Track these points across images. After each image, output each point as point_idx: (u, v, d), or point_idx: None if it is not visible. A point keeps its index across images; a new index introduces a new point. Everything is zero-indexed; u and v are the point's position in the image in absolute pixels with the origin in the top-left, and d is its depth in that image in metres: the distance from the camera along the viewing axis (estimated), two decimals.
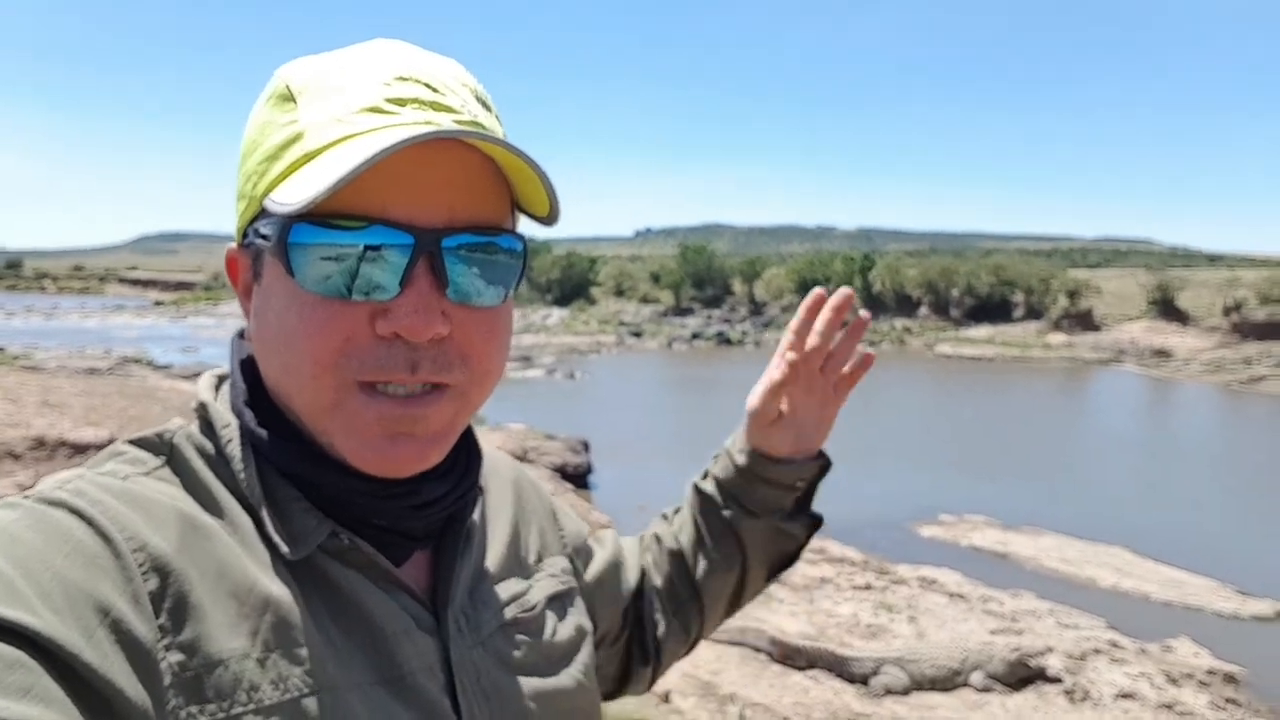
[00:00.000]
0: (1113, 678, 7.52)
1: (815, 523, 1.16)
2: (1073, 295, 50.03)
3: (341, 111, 0.69)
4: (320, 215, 0.66)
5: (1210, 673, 7.88)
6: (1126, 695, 7.15)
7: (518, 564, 0.93)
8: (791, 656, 7.30)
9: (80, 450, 7.23)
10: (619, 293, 62.62)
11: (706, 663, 7.05)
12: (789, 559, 1.17)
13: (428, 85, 0.72)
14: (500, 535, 0.94)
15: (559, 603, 0.95)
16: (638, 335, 50.38)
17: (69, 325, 52.15)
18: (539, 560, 0.97)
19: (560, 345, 44.95)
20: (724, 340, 48.97)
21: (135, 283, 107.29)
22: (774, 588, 9.34)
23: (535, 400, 23.99)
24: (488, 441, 0.93)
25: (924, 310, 54.64)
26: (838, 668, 7.19)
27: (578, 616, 0.96)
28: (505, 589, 0.89)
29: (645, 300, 59.96)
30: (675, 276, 59.68)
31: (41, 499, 0.64)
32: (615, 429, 19.82)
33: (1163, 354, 41.25)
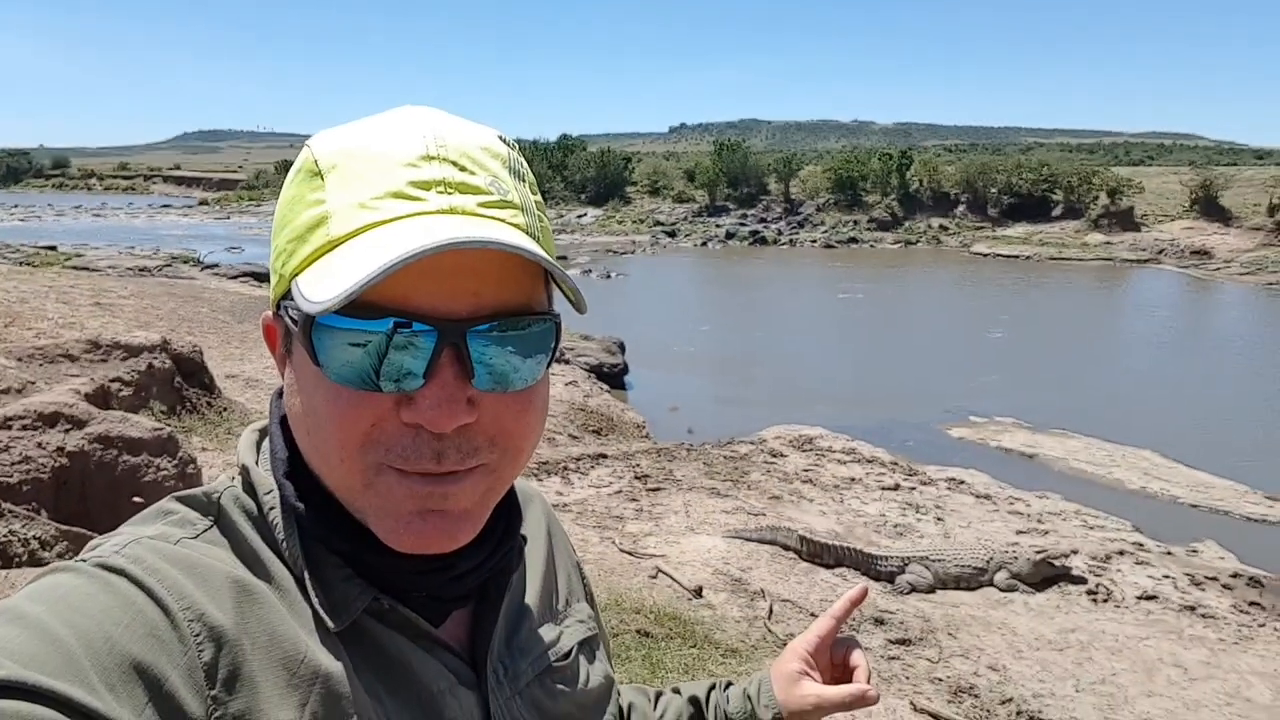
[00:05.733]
0: (1136, 579, 7.66)
1: None
2: (1113, 194, 48.76)
3: (365, 195, 0.69)
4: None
5: (1235, 576, 7.99)
6: (1149, 597, 7.29)
7: (550, 610, 0.95)
8: (820, 554, 7.48)
9: (134, 353, 7.41)
10: (654, 191, 61.87)
11: (737, 560, 7.25)
12: None
13: (455, 164, 0.72)
14: (535, 581, 0.95)
15: (588, 649, 0.97)
16: (672, 235, 50.02)
17: (117, 224, 52.77)
18: (567, 605, 0.98)
19: (595, 245, 44.83)
20: (759, 240, 48.50)
21: (179, 181, 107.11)
22: (804, 487, 9.53)
23: None
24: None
25: (961, 209, 53.50)
26: (864, 566, 7.36)
27: (604, 664, 0.98)
28: (541, 636, 0.91)
29: (680, 199, 59.23)
30: (710, 174, 58.74)
31: (101, 564, 0.66)
32: (650, 330, 19.91)
33: (1202, 254, 40.32)
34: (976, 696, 5.46)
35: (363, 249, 0.66)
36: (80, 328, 8.50)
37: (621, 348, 16.19)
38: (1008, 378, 17.05)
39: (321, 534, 0.75)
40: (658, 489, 8.89)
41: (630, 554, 7.10)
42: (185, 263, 26.51)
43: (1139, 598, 7.28)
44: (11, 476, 4.96)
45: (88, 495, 5.42)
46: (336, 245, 0.69)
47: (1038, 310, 27.26)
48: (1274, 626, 6.99)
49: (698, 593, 6.46)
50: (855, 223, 52.15)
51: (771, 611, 6.31)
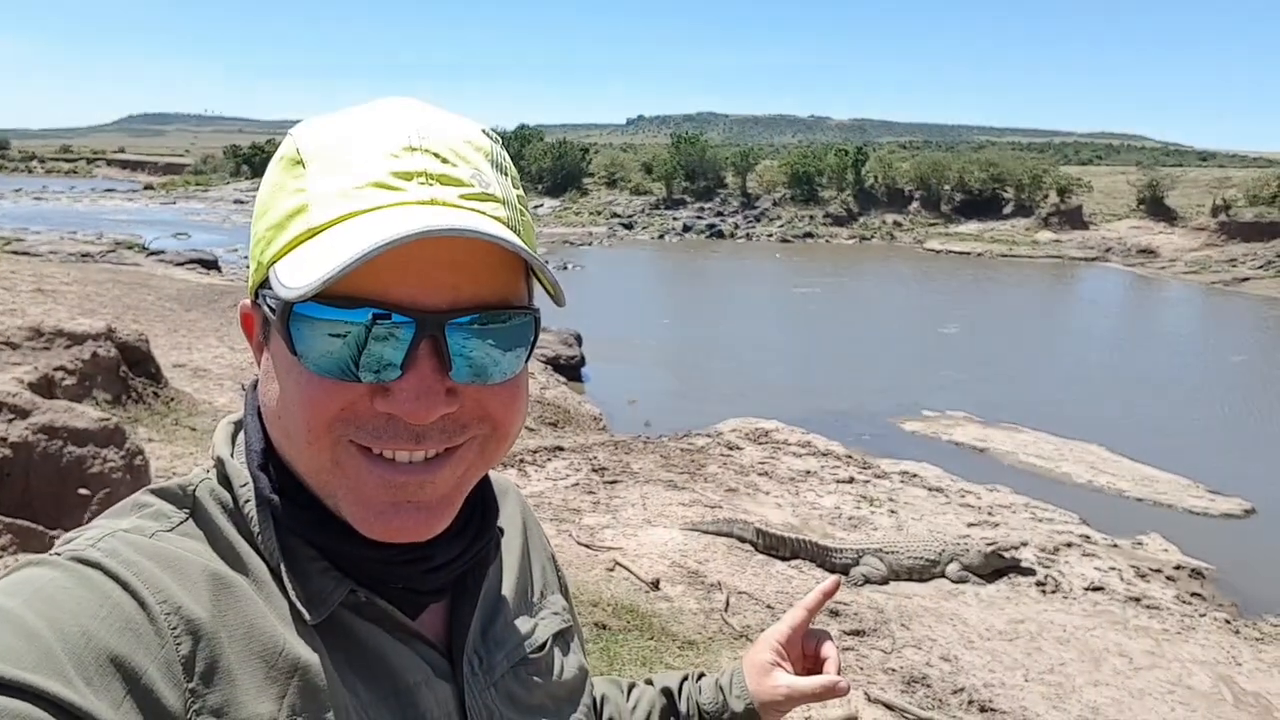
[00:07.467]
0: (1083, 571, 7.82)
1: None
2: (1063, 192, 49.61)
3: (346, 185, 0.69)
4: (320, 295, 0.66)
5: (1178, 568, 8.19)
6: (1096, 588, 7.45)
7: (525, 602, 0.95)
8: (776, 547, 7.53)
9: (78, 341, 7.24)
10: (611, 183, 61.67)
11: (694, 552, 7.27)
12: None
13: (436, 155, 0.71)
14: (511, 574, 0.95)
15: (562, 641, 0.97)
16: (629, 227, 49.99)
17: (59, 208, 51.40)
18: (542, 597, 0.99)
19: (552, 236, 44.63)
20: (716, 233, 48.67)
21: (124, 165, 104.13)
22: (760, 480, 9.58)
23: None
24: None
25: (915, 205, 54.06)
26: (820, 558, 7.43)
27: (578, 656, 0.99)
28: (516, 628, 0.92)
29: (637, 191, 59.10)
30: (668, 167, 58.72)
31: (76, 558, 0.65)
32: (608, 323, 19.87)
33: (1148, 253, 41.22)
34: (929, 686, 5.53)
35: (341, 237, 0.66)
36: (21, 314, 8.27)
37: (579, 340, 16.13)
38: (960, 372, 17.28)
39: (297, 526, 0.74)
40: (615, 481, 8.88)
41: (588, 546, 7.09)
42: (130, 249, 25.90)
43: (1086, 589, 7.43)
44: None
45: (32, 487, 5.29)
46: (316, 234, 0.69)
47: (989, 306, 27.67)
48: (1214, 617, 7.18)
49: (655, 585, 6.46)
50: (811, 218, 52.46)
51: (728, 603, 6.34)
